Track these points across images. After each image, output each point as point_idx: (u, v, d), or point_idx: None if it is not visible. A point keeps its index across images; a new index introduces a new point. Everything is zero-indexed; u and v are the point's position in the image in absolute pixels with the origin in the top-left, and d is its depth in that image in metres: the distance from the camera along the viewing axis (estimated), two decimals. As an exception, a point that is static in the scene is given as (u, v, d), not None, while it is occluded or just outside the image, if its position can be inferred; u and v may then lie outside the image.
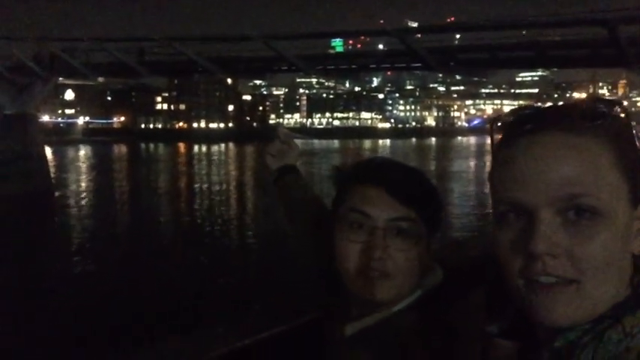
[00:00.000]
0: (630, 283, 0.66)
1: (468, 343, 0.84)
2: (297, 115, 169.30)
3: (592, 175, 0.63)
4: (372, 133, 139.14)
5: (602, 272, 0.63)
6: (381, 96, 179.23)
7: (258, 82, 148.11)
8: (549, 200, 0.63)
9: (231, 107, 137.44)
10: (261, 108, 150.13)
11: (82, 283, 14.85)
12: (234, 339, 1.56)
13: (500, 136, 0.71)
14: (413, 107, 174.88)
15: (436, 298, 1.06)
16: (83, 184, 39.44)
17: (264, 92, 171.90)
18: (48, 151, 44.32)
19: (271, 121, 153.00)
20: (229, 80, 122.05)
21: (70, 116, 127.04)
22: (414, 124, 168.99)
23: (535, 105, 0.74)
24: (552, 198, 0.63)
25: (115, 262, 16.95)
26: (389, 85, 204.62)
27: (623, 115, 0.67)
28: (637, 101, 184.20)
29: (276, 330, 1.59)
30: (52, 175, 37.46)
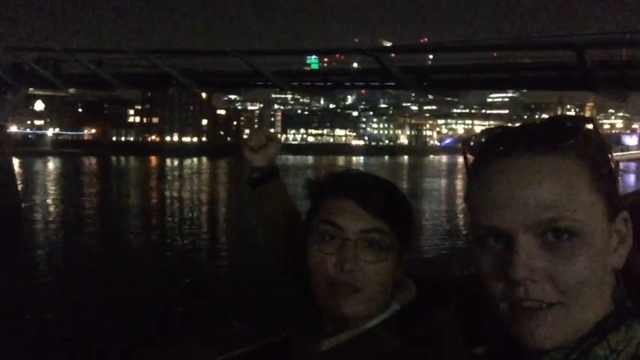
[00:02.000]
0: (612, 298, 0.66)
1: (442, 358, 0.82)
2: (271, 131, 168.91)
3: (567, 196, 0.63)
4: (346, 150, 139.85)
5: (585, 292, 0.63)
6: (355, 113, 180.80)
7: (232, 96, 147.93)
8: (526, 225, 0.63)
9: (205, 121, 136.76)
10: (235, 123, 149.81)
11: (46, 297, 14.47)
12: (211, 355, 1.53)
13: (473, 158, 0.71)
14: (386, 125, 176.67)
15: (410, 314, 1.05)
16: (51, 197, 38.58)
17: (239, 107, 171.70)
18: (16, 163, 43.29)
19: (245, 136, 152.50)
20: (204, 94, 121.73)
21: (39, 127, 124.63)
22: (387, 142, 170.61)
23: (506, 125, 0.73)
24: (529, 223, 0.63)
25: (81, 276, 16.58)
26: (363, 103, 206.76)
27: (593, 130, 0.67)
28: (603, 123, 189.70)
29: (250, 347, 1.56)
30: (20, 188, 36.54)
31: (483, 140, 0.70)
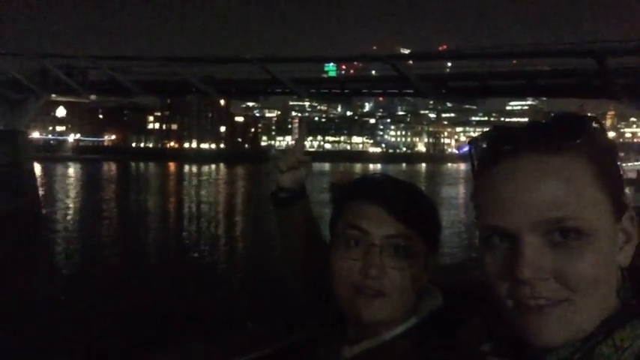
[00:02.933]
0: (617, 296, 0.66)
1: None
2: (288, 138, 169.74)
3: (574, 195, 0.63)
4: (363, 157, 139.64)
5: (592, 290, 0.63)
6: (372, 121, 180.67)
7: (251, 103, 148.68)
8: (532, 225, 0.63)
9: (223, 128, 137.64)
10: (253, 130, 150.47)
11: (65, 301, 14.66)
12: (227, 356, 1.54)
13: (479, 158, 0.71)
14: (404, 133, 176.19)
15: (436, 323, 1.03)
16: (71, 202, 39.09)
17: (257, 114, 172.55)
18: (37, 168, 43.98)
19: (263, 143, 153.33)
20: (222, 101, 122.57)
21: (60, 133, 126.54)
22: (404, 149, 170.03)
23: (512, 126, 0.72)
24: (535, 222, 0.63)
25: (100, 280, 16.77)
26: (380, 110, 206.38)
27: (599, 130, 0.67)
28: (624, 132, 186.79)
29: (268, 348, 1.57)
30: (41, 192, 37.08)
31: (490, 140, 0.70)
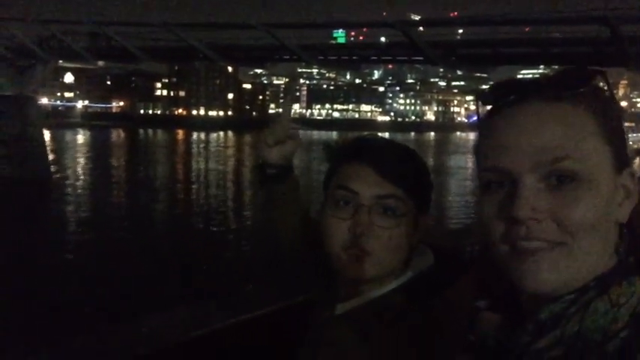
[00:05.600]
0: (616, 252, 0.66)
1: (453, 327, 0.83)
2: (296, 106, 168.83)
3: (574, 140, 0.64)
4: (372, 125, 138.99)
5: (588, 235, 0.63)
6: (381, 89, 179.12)
7: (258, 71, 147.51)
8: (532, 166, 0.64)
9: (230, 95, 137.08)
10: (261, 97, 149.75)
11: (73, 263, 14.99)
12: (226, 316, 1.57)
13: (484, 110, 0.72)
14: (413, 101, 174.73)
15: (426, 281, 1.05)
16: (80, 169, 39.37)
17: (265, 81, 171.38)
18: (46, 134, 44.17)
19: (271, 111, 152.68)
20: (230, 68, 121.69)
21: (69, 99, 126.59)
22: (413, 118, 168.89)
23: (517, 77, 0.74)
24: (535, 163, 0.64)
25: (107, 244, 17.10)
26: (390, 78, 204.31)
27: (603, 85, 0.67)
28: (637, 102, 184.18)
29: (268, 309, 1.60)
30: (50, 159, 37.33)
31: (494, 90, 0.71)
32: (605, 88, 0.68)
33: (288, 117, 1.31)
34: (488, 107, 0.72)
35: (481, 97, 0.73)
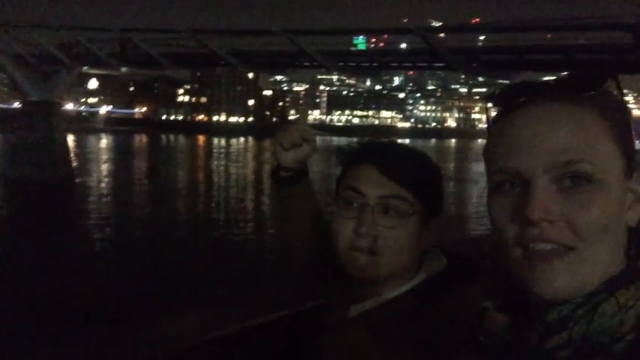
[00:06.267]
0: (625, 256, 0.66)
1: (464, 328, 0.84)
2: (316, 112, 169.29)
3: (587, 142, 0.63)
4: (392, 132, 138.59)
5: (600, 239, 0.63)
6: (401, 95, 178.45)
7: (279, 77, 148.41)
8: (545, 167, 0.63)
9: (251, 102, 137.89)
10: (281, 103, 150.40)
11: (95, 263, 15.23)
12: (244, 316, 1.57)
13: (495, 112, 0.72)
14: (434, 108, 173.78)
15: (438, 284, 1.06)
16: (103, 173, 39.93)
17: (285, 88, 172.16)
18: (70, 139, 44.89)
19: (291, 117, 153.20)
20: (250, 74, 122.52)
21: (92, 105, 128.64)
22: (434, 124, 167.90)
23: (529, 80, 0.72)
24: (548, 165, 0.63)
25: (128, 245, 17.35)
26: (410, 84, 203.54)
27: (615, 89, 0.68)
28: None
29: (280, 314, 1.59)
30: (74, 163, 37.92)
31: (506, 92, 0.71)
32: (617, 92, 0.68)
33: (304, 121, 1.35)
34: (499, 109, 0.72)
35: (492, 99, 0.73)
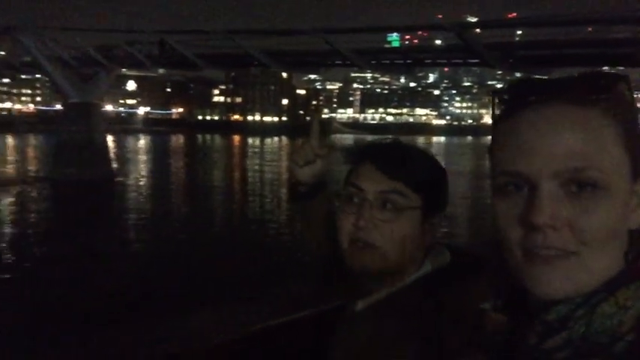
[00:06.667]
0: (624, 258, 0.66)
1: (464, 325, 0.85)
2: (350, 110, 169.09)
3: (596, 147, 0.63)
4: (427, 129, 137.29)
5: (602, 245, 0.63)
6: (436, 92, 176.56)
7: (312, 76, 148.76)
8: (553, 172, 0.63)
9: (285, 101, 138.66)
10: (314, 102, 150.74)
11: (131, 260, 15.62)
12: (267, 315, 1.58)
13: (502, 108, 0.71)
14: (470, 104, 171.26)
15: (441, 279, 1.09)
16: (141, 172, 40.80)
17: (319, 87, 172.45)
18: (109, 140, 46.01)
19: (324, 116, 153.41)
20: (284, 74, 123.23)
21: (131, 106, 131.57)
22: (470, 121, 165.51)
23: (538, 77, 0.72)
24: (556, 170, 0.63)
25: (164, 242, 17.74)
26: (445, 81, 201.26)
27: (626, 90, 0.67)
28: None
29: (303, 313, 1.60)
30: (113, 163, 38.83)
31: (514, 90, 0.70)
32: (628, 93, 0.67)
33: (316, 136, 1.32)
34: (506, 106, 0.70)
35: (499, 96, 0.71)
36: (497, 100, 0.72)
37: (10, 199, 26.37)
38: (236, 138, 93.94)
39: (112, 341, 1.44)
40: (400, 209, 1.08)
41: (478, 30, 33.38)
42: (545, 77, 0.69)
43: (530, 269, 0.64)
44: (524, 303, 0.69)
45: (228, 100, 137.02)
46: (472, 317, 0.76)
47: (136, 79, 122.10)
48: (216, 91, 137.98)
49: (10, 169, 40.12)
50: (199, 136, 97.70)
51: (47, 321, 9.84)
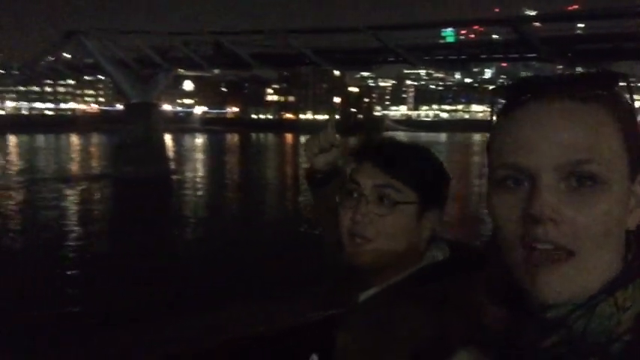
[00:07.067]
0: (623, 259, 0.66)
1: (460, 319, 0.86)
2: (403, 107, 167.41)
3: (596, 142, 0.63)
4: (483, 126, 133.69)
5: (600, 243, 0.62)
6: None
7: (365, 73, 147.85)
8: (553, 165, 0.63)
9: (337, 99, 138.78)
10: (367, 100, 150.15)
11: (190, 253, 16.25)
12: (303, 312, 1.62)
13: (503, 104, 0.71)
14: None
15: (439, 272, 1.12)
16: (198, 170, 41.84)
17: (371, 84, 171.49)
18: (168, 138, 47.38)
19: (377, 113, 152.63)
20: (336, 72, 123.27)
21: (188, 106, 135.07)
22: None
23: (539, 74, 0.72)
24: (556, 163, 0.63)
25: (219, 237, 18.13)
26: (503, 76, 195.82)
27: (626, 89, 0.67)
28: None
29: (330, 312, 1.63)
30: (171, 161, 39.98)
31: (515, 86, 0.70)
32: (627, 92, 0.67)
33: (332, 127, 1.46)
34: (507, 102, 0.70)
35: (500, 91, 0.71)
36: (498, 95, 0.72)
37: (75, 195, 27.67)
38: (288, 136, 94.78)
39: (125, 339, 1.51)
40: (395, 204, 1.11)
41: (537, 24, 32.40)
42: (547, 75, 0.69)
43: (529, 272, 0.63)
44: (522, 299, 0.68)
45: (281, 98, 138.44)
46: (474, 311, 0.76)
47: (193, 79, 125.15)
48: (270, 90, 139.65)
49: (74, 166, 42.07)
50: (253, 135, 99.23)
51: (90, 318, 10.23)
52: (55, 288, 12.60)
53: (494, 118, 0.72)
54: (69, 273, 14.27)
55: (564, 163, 0.62)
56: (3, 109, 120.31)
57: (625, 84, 0.67)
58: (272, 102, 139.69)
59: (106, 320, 9.69)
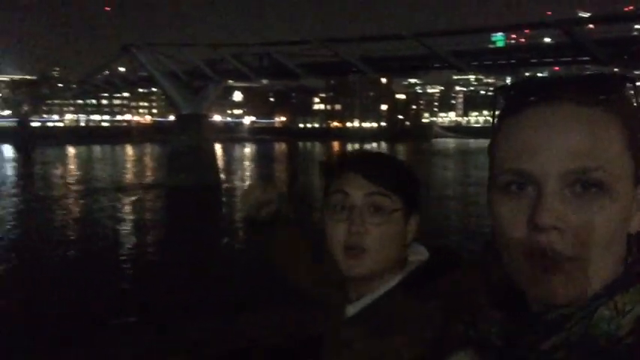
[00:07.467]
0: (623, 262, 0.66)
1: (452, 320, 0.85)
2: (452, 114, 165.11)
3: (604, 149, 0.61)
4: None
5: (603, 250, 0.62)
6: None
7: (412, 80, 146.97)
8: (559, 172, 0.61)
9: (384, 106, 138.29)
10: (414, 107, 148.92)
11: (237, 260, 16.33)
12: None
13: (505, 105, 0.69)
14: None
15: (425, 275, 1.14)
16: (247, 179, 42.55)
17: (419, 90, 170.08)
18: (218, 148, 48.41)
19: (424, 120, 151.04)
20: (384, 79, 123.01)
21: (237, 116, 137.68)
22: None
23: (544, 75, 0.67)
24: (562, 170, 0.61)
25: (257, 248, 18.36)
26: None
27: (633, 92, 0.66)
28: None
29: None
30: (221, 170, 40.79)
31: (519, 87, 0.68)
32: (633, 94, 0.66)
33: (262, 186, 1.56)
34: (510, 104, 0.68)
35: (503, 93, 0.69)
36: (502, 96, 0.70)
37: (129, 204, 28.66)
38: (335, 144, 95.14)
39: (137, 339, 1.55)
40: (388, 211, 1.13)
41: (591, 26, 31.46)
42: (551, 76, 0.67)
43: (530, 275, 0.63)
44: (522, 301, 0.68)
45: (328, 107, 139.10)
46: (466, 312, 0.75)
47: (242, 90, 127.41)
48: (317, 99, 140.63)
49: (129, 175, 43.58)
50: (300, 144, 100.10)
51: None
52: (109, 295, 13.03)
53: (496, 120, 0.70)
54: (124, 281, 14.74)
55: (571, 170, 0.61)
56: (62, 122, 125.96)
57: (632, 87, 0.66)
58: (319, 111, 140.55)
59: (161, 330, 9.94)
